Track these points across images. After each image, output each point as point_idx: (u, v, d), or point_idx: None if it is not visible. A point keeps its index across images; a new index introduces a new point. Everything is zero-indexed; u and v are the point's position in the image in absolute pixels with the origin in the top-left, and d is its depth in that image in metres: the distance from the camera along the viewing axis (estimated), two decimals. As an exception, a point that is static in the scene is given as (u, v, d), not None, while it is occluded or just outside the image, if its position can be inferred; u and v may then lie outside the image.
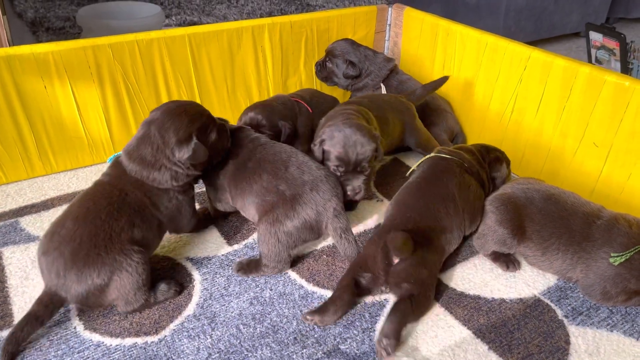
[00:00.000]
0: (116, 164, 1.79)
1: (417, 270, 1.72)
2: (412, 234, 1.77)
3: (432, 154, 2.11)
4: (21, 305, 1.73)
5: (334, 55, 2.81)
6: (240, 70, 2.77)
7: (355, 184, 2.00)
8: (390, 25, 3.21)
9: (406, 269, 1.72)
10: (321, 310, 1.69)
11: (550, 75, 2.31)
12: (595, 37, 4.18)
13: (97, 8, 4.08)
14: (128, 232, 1.65)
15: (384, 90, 2.82)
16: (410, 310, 1.63)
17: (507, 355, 1.60)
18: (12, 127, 2.27)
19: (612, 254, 1.72)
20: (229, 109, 2.83)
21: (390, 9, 3.16)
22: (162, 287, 1.74)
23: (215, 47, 2.63)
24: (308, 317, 1.69)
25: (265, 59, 2.82)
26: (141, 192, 1.74)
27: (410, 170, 2.11)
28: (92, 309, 1.69)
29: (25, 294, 1.77)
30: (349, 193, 1.99)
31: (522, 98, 2.47)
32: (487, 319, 1.73)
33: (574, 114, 2.26)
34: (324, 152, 2.01)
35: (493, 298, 1.82)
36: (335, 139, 1.99)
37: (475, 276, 1.92)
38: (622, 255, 1.69)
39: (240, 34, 2.67)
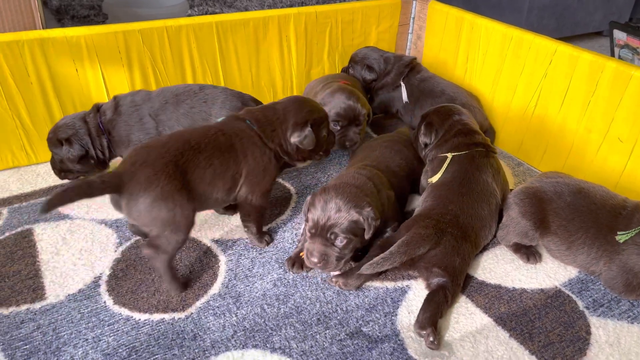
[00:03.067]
0: (227, 118, 1.95)
1: (450, 257, 1.75)
2: (447, 225, 1.80)
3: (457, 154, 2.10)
4: (52, 279, 1.78)
5: (355, 62, 2.90)
6: (265, 59, 2.80)
7: (352, 136, 2.45)
8: (414, 18, 3.22)
9: (438, 255, 1.75)
10: (346, 274, 1.76)
11: (576, 70, 2.31)
12: (619, 35, 4.14)
13: (125, -4, 4.13)
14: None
15: (404, 89, 2.82)
16: (444, 300, 1.66)
17: (527, 343, 1.61)
18: (43, 109, 2.33)
19: (618, 232, 1.73)
20: (252, 98, 2.86)
21: (414, 2, 3.17)
22: None
23: (242, 36, 2.66)
24: (333, 279, 1.76)
25: (290, 49, 2.85)
26: (239, 141, 1.85)
27: (444, 167, 2.07)
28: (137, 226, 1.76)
29: (56, 269, 1.83)
30: (347, 144, 2.44)
31: (546, 92, 2.47)
32: (508, 308, 1.74)
33: (599, 108, 2.25)
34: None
35: (514, 288, 1.83)
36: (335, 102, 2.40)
37: (496, 266, 1.93)
38: (627, 233, 1.71)
39: (266, 23, 2.70)
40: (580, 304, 1.77)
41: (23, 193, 2.21)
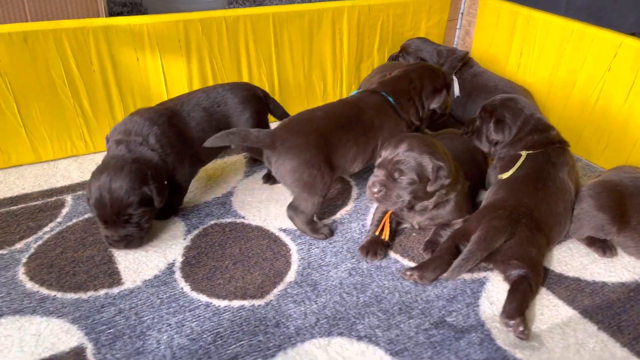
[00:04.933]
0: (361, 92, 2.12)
1: (526, 248, 1.71)
2: (521, 216, 1.76)
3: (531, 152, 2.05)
4: (126, 265, 1.76)
5: (407, 52, 2.85)
6: (318, 52, 2.78)
7: None
8: (462, 13, 3.19)
9: (514, 247, 1.71)
10: (422, 266, 1.73)
11: (643, 62, 2.27)
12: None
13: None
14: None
15: (456, 84, 2.78)
16: (529, 289, 1.63)
17: (617, 336, 1.57)
18: (104, 98, 2.32)
19: None
20: (303, 93, 2.84)
21: (464, -4, 3.15)
22: None
23: (297, 28, 2.65)
24: (408, 272, 1.72)
25: (342, 42, 2.83)
26: (375, 114, 2.02)
27: (517, 164, 2.00)
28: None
29: (128, 255, 1.81)
30: None
31: (609, 85, 2.42)
32: (591, 300, 1.70)
33: (668, 102, 2.21)
34: None
35: (594, 281, 1.79)
36: None
37: (571, 259, 1.89)
38: None
39: (321, 15, 2.69)
40: (665, 298, 1.73)
41: (84, 181, 2.19)
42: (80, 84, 2.24)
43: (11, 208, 2.01)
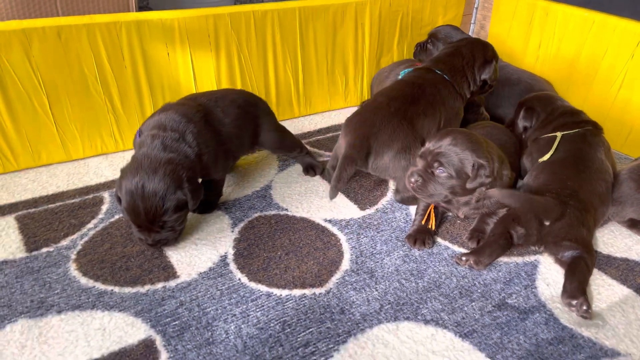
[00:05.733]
0: (414, 71, 2.21)
1: (576, 229, 1.73)
2: (568, 198, 1.78)
3: (567, 132, 2.09)
4: (178, 258, 1.74)
5: (437, 38, 2.78)
6: (340, 47, 2.79)
7: None
8: (477, 8, 3.23)
9: (565, 228, 1.73)
10: (477, 251, 1.73)
11: (668, 50, 2.32)
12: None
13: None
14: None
15: None
16: (586, 269, 1.64)
17: (676, 312, 1.59)
18: (134, 94, 2.29)
19: None
20: (326, 87, 2.84)
21: (478, -9, 3.19)
22: None
23: (322, 22, 2.65)
24: (463, 257, 1.73)
25: (364, 36, 2.84)
26: (436, 89, 2.10)
27: (555, 145, 2.05)
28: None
29: (179, 249, 1.78)
30: None
31: (632, 74, 2.47)
32: (644, 279, 1.73)
33: (694, 87, 2.26)
34: None
35: (642, 261, 1.82)
36: None
37: (616, 241, 1.92)
38: None
39: (344, 9, 2.69)
40: None
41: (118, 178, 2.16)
42: (112, 79, 2.21)
43: (49, 206, 1.97)
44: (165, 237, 1.71)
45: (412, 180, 1.77)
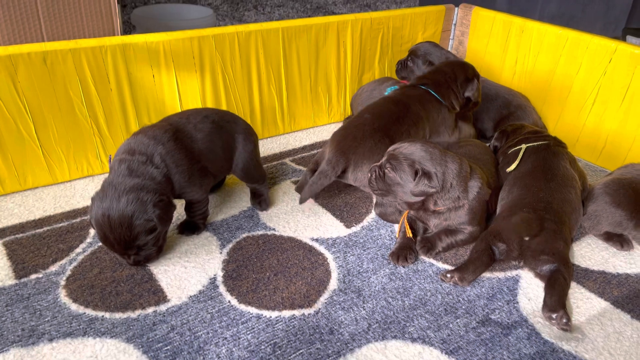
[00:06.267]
0: (400, 88, 2.37)
1: (553, 243, 1.79)
2: (544, 211, 1.85)
3: (531, 145, 2.19)
4: (168, 282, 1.75)
5: (416, 55, 2.84)
6: (323, 65, 2.84)
7: None
8: (455, 24, 3.31)
9: (543, 242, 1.79)
10: (461, 269, 1.79)
11: (638, 67, 2.41)
12: (633, 40, 4.34)
13: (152, 9, 4.13)
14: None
15: None
16: (565, 282, 1.70)
17: (651, 323, 1.66)
18: (120, 116, 2.31)
19: None
20: (309, 104, 2.89)
21: (457, 9, 3.27)
22: None
23: (305, 42, 2.70)
24: (448, 274, 1.78)
25: (346, 55, 2.90)
26: (420, 105, 2.24)
27: (520, 155, 2.16)
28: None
29: (167, 272, 1.80)
30: None
31: (605, 89, 2.57)
32: (620, 292, 1.79)
33: (664, 102, 2.36)
34: None
35: (618, 273, 1.89)
36: None
37: (593, 254, 1.99)
38: None
39: (327, 28, 2.75)
40: (685, 286, 1.84)
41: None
42: (98, 102, 2.22)
43: (37, 231, 1.97)
44: (145, 256, 1.75)
45: (369, 174, 1.90)
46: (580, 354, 1.54)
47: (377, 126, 2.11)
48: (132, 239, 1.67)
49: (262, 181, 2.18)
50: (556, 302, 1.64)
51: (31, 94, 2.07)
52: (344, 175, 2.08)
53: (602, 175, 2.39)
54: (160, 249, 1.81)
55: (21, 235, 1.95)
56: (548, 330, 1.62)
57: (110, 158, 1.84)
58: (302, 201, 2.11)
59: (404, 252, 1.90)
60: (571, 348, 1.56)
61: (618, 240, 2.02)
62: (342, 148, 2.06)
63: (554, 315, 1.62)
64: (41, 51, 2.03)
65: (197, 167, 1.90)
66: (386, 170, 1.85)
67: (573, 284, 1.82)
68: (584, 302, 1.75)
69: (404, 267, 1.87)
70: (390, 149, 1.89)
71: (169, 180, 1.80)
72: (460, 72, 2.36)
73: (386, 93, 2.46)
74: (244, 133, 2.08)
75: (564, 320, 1.60)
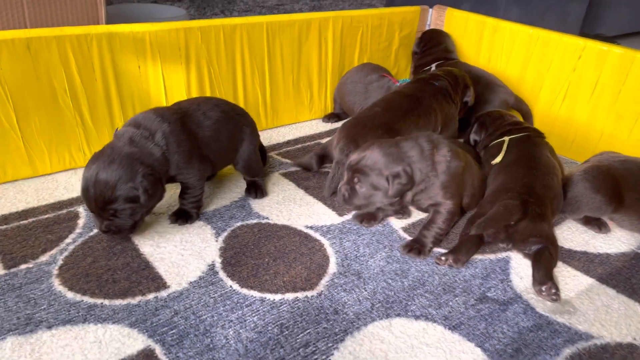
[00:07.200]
0: (413, 82, 2.54)
1: (540, 225, 1.87)
2: (528, 195, 1.92)
3: (513, 136, 2.28)
4: (166, 269, 1.73)
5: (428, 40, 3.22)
6: (306, 61, 2.87)
7: None
8: (429, 25, 3.42)
9: (530, 225, 1.86)
10: (454, 251, 1.85)
11: (606, 63, 2.56)
12: (590, 46, 4.57)
13: (125, 7, 4.07)
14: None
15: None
16: (551, 257, 1.78)
17: (634, 297, 1.76)
18: (104, 108, 2.26)
19: None
20: (292, 100, 2.91)
21: (431, 10, 3.37)
22: None
23: (288, 37, 2.72)
24: (442, 257, 1.84)
25: (327, 51, 2.94)
26: (433, 100, 2.40)
27: (504, 147, 2.23)
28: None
29: (164, 260, 1.77)
30: None
31: (575, 85, 2.70)
32: (603, 269, 1.89)
33: (630, 97, 2.51)
34: None
35: (599, 253, 1.99)
36: None
37: (575, 236, 2.09)
38: None
39: (309, 24, 2.78)
40: (660, 263, 1.95)
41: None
42: (82, 92, 2.17)
43: (22, 222, 1.90)
44: (117, 225, 1.74)
45: (341, 192, 1.90)
46: (574, 326, 1.61)
47: (385, 119, 2.23)
48: (110, 200, 1.68)
49: (262, 174, 2.25)
50: (544, 275, 1.72)
51: (13, 82, 2.00)
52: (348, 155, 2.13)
53: (574, 167, 2.51)
54: (134, 226, 1.79)
55: (5, 226, 1.87)
56: (542, 305, 1.69)
57: (116, 130, 1.85)
58: (328, 194, 2.20)
59: (370, 215, 2.05)
60: (565, 320, 1.63)
61: (596, 223, 2.13)
62: (352, 135, 2.16)
63: (543, 288, 1.69)
64: (25, 37, 1.97)
65: (198, 152, 1.93)
66: (357, 187, 1.87)
67: (559, 264, 1.90)
68: (571, 279, 1.83)
69: (367, 227, 2.02)
70: (352, 161, 1.89)
71: (165, 160, 1.82)
72: (461, 80, 2.58)
73: (398, 83, 2.68)
74: (251, 126, 2.17)
75: (553, 291, 1.67)
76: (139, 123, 1.81)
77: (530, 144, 2.22)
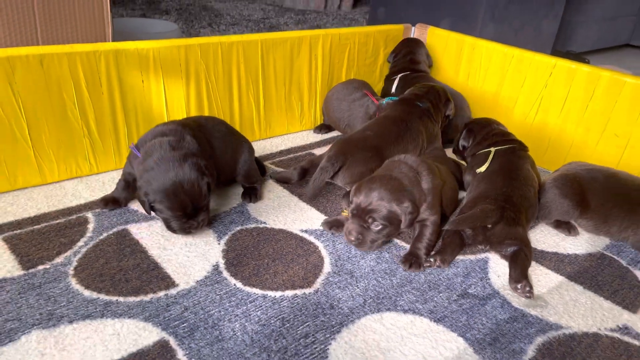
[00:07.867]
0: (399, 104, 2.68)
1: (514, 229, 2.06)
2: (504, 202, 2.11)
3: (499, 148, 2.46)
4: (173, 269, 1.86)
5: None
6: (297, 76, 3.04)
7: None
8: (412, 42, 3.62)
9: (505, 229, 2.05)
10: (440, 252, 2.02)
11: (574, 80, 2.79)
12: (562, 62, 4.84)
13: (117, 22, 4.20)
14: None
15: (396, 83, 3.25)
16: (526, 258, 1.96)
17: (599, 292, 1.95)
18: (109, 119, 2.40)
19: None
20: (284, 112, 3.07)
21: (413, 28, 3.58)
22: None
23: (281, 53, 2.89)
24: (431, 258, 2.00)
25: (317, 67, 3.12)
26: (420, 122, 2.59)
27: (490, 158, 2.41)
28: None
29: (171, 261, 1.91)
30: None
31: (547, 100, 2.93)
32: (572, 268, 2.08)
33: (597, 110, 2.73)
34: None
35: (568, 254, 2.19)
36: None
37: (546, 239, 2.28)
38: None
39: (300, 42, 2.96)
40: (623, 262, 2.15)
41: (97, 199, 2.24)
42: (89, 105, 2.30)
43: (35, 227, 2.02)
44: (203, 218, 1.98)
45: (352, 239, 1.98)
46: (545, 318, 1.79)
47: (375, 143, 2.42)
48: (203, 196, 1.93)
49: (259, 180, 2.43)
50: (519, 274, 1.90)
51: (26, 96, 2.13)
52: (336, 174, 2.35)
53: (547, 175, 2.72)
54: (209, 213, 2.05)
55: (19, 231, 1.99)
56: (517, 300, 1.87)
57: (132, 145, 2.03)
58: (310, 198, 2.36)
59: (337, 223, 2.19)
60: (537, 313, 1.81)
61: (566, 227, 2.33)
62: (343, 150, 2.36)
63: (518, 285, 1.87)
64: (38, 54, 2.10)
65: (211, 161, 2.12)
66: (372, 226, 1.95)
67: (533, 263, 2.09)
68: (543, 277, 2.02)
69: (335, 234, 2.17)
70: (362, 203, 1.94)
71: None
72: (443, 95, 2.80)
73: (383, 102, 2.80)
74: (248, 143, 2.41)
75: (527, 289, 1.85)
76: (165, 133, 2.00)
77: (514, 157, 2.39)
